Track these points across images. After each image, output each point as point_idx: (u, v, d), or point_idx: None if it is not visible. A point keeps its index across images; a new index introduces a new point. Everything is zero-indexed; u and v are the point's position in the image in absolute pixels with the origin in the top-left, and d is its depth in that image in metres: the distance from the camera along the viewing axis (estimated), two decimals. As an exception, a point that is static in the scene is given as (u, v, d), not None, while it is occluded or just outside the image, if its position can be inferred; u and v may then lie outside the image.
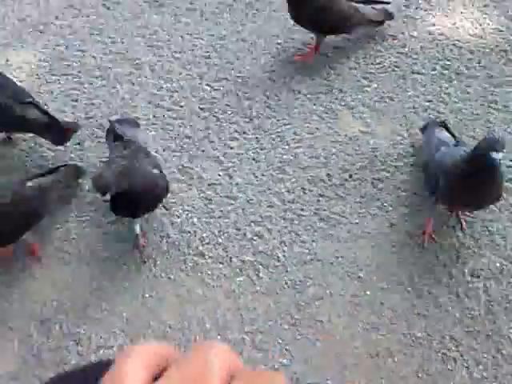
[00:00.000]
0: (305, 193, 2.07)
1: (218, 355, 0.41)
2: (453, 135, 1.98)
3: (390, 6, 2.52)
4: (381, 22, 2.49)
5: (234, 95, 2.37)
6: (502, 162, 1.61)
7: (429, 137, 2.00)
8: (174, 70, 2.47)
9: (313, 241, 1.95)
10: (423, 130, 2.08)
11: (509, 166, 2.07)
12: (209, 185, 2.10)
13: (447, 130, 2.00)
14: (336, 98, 2.34)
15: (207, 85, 2.41)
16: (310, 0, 2.27)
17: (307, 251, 1.93)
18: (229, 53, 2.52)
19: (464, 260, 1.86)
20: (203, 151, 2.20)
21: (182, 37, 2.60)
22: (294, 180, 2.10)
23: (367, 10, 2.43)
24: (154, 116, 2.32)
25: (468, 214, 1.96)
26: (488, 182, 1.66)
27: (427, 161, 1.92)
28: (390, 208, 2.00)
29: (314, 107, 2.32)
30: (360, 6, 2.41)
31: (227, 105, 2.34)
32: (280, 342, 1.74)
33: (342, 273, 1.87)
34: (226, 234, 1.98)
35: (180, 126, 2.27)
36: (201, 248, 1.95)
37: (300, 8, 2.30)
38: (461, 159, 1.71)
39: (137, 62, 2.52)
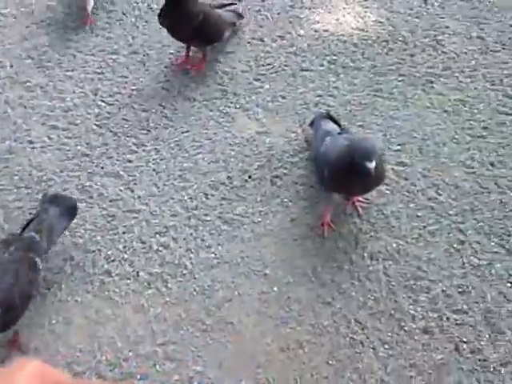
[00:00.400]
0: (207, 198, 2.03)
1: (27, 373, 0.41)
2: (338, 124, 2.01)
3: (238, 6, 2.57)
4: (234, 24, 2.51)
5: (129, 108, 2.30)
6: (376, 167, 1.64)
7: (316, 130, 2.02)
8: (67, 88, 2.37)
9: (218, 244, 1.91)
10: (311, 124, 2.10)
11: (397, 150, 2.12)
12: (110, 201, 2.02)
13: (333, 120, 2.03)
14: (231, 102, 2.31)
15: (102, 101, 2.33)
16: (188, 19, 2.24)
17: (213, 255, 1.89)
18: (121, 67, 2.45)
19: (363, 245, 1.88)
20: (102, 168, 2.12)
21: (72, 55, 2.50)
22: (195, 187, 2.06)
23: (225, 14, 2.45)
24: (49, 137, 2.21)
25: (363, 200, 1.98)
26: (368, 177, 1.69)
27: (315, 154, 1.94)
28: (290, 203, 2.00)
29: (211, 113, 2.29)
30: (220, 11, 2.44)
31: (124, 119, 2.27)
32: (193, 349, 1.70)
33: (248, 272, 1.84)
34: (131, 249, 1.91)
35: (77, 145, 2.18)
36: (106, 266, 1.87)
37: (181, 28, 2.27)
38: (343, 153, 1.73)
39: (28, 84, 2.40)
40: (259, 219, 1.97)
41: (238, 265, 1.86)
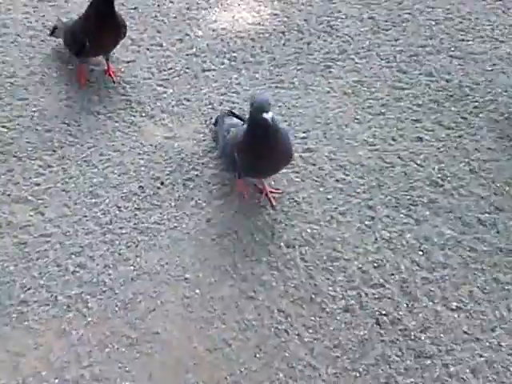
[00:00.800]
0: (120, 211, 1.96)
1: None
2: (241, 119, 1.99)
3: None
4: None
5: (32, 131, 2.19)
6: (274, 119, 1.69)
7: (220, 126, 1.99)
8: (-36, 119, 2.23)
9: (136, 256, 1.85)
10: (215, 123, 2.07)
11: (303, 138, 2.11)
12: (20, 228, 1.92)
13: (235, 116, 2.01)
14: (136, 111, 2.24)
15: (2, 126, 2.20)
16: (123, 29, 2.24)
17: (132, 268, 1.82)
18: (20, 89, 2.33)
19: (279, 234, 1.86)
20: (9, 195, 2.00)
21: (-33, 83, 2.36)
22: (107, 201, 1.98)
23: None
24: (-50, 172, 2.08)
25: (275, 190, 1.96)
26: (273, 140, 1.72)
27: (223, 145, 1.91)
28: (204, 204, 1.95)
29: (116, 124, 2.21)
30: None
31: (27, 142, 2.16)
32: (120, 366, 1.63)
33: (169, 279, 1.79)
34: (47, 274, 1.81)
35: (-20, 176, 2.06)
36: (23, 296, 1.77)
37: (114, 40, 2.25)
38: (245, 130, 1.74)
39: None
40: (175, 224, 1.91)
41: (158, 273, 1.80)
